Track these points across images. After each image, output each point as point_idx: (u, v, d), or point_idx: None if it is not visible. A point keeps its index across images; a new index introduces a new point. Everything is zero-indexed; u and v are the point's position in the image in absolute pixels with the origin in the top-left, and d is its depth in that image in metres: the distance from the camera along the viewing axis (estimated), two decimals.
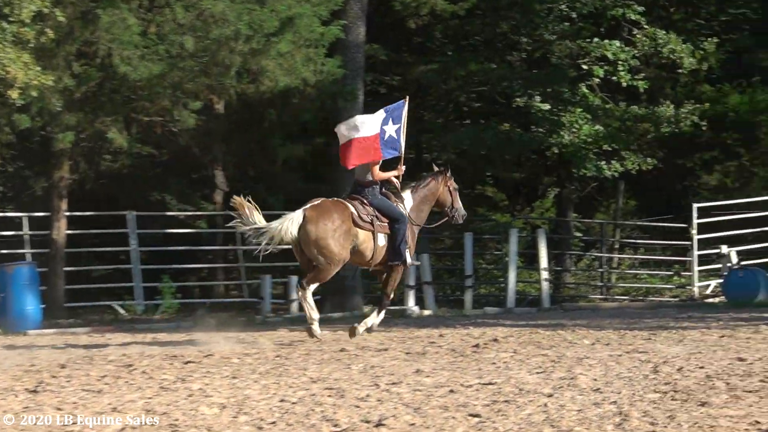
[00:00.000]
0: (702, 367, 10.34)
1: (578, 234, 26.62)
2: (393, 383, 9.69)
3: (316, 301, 13.50)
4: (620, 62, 23.80)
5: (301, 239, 13.06)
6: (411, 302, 19.60)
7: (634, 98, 24.99)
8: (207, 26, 18.02)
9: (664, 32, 24.09)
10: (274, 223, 13.05)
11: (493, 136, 24.12)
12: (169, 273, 20.82)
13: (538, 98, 24.10)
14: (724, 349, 12.00)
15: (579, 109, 23.72)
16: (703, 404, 8.40)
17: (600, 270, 24.54)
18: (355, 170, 13.85)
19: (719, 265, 22.01)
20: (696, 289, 22.39)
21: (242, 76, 18.69)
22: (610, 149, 23.96)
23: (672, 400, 8.64)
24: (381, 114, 13.67)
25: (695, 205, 22.60)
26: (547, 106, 23.85)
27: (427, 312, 19.49)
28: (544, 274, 21.13)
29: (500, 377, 9.93)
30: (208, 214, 23.03)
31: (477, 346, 12.64)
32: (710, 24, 26.20)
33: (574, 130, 23.49)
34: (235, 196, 13.19)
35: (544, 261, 21.26)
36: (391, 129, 13.61)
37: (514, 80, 24.56)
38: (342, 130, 13.59)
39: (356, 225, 13.30)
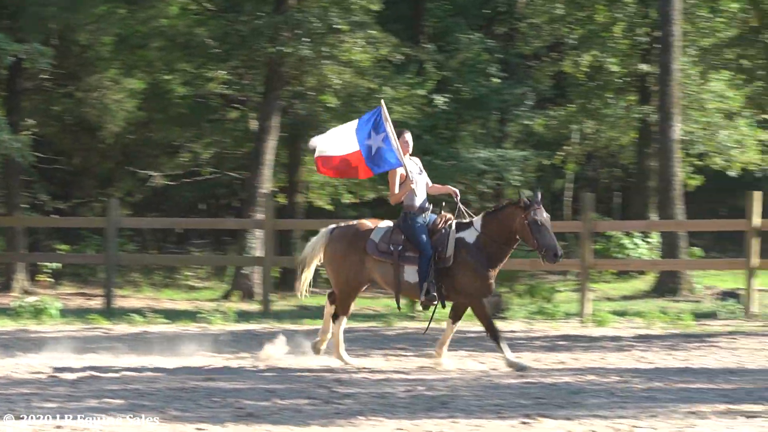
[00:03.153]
0: None
1: None
2: None
3: None
4: None
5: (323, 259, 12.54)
6: None
7: None
8: None
9: None
10: (308, 245, 12.69)
11: None
12: None
13: None
14: None
15: None
16: None
17: None
18: None
19: None
20: None
21: None
22: None
23: None
24: (353, 126, 12.42)
25: None
26: None
27: None
28: None
29: None
30: None
31: None
32: None
33: None
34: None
35: None
36: (376, 141, 12.24)
37: None
38: (314, 143, 12.55)
39: (368, 253, 12.20)
